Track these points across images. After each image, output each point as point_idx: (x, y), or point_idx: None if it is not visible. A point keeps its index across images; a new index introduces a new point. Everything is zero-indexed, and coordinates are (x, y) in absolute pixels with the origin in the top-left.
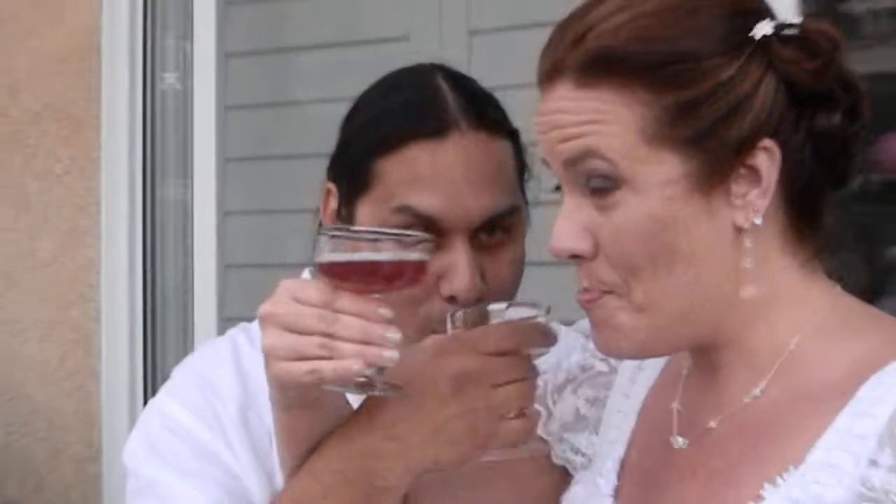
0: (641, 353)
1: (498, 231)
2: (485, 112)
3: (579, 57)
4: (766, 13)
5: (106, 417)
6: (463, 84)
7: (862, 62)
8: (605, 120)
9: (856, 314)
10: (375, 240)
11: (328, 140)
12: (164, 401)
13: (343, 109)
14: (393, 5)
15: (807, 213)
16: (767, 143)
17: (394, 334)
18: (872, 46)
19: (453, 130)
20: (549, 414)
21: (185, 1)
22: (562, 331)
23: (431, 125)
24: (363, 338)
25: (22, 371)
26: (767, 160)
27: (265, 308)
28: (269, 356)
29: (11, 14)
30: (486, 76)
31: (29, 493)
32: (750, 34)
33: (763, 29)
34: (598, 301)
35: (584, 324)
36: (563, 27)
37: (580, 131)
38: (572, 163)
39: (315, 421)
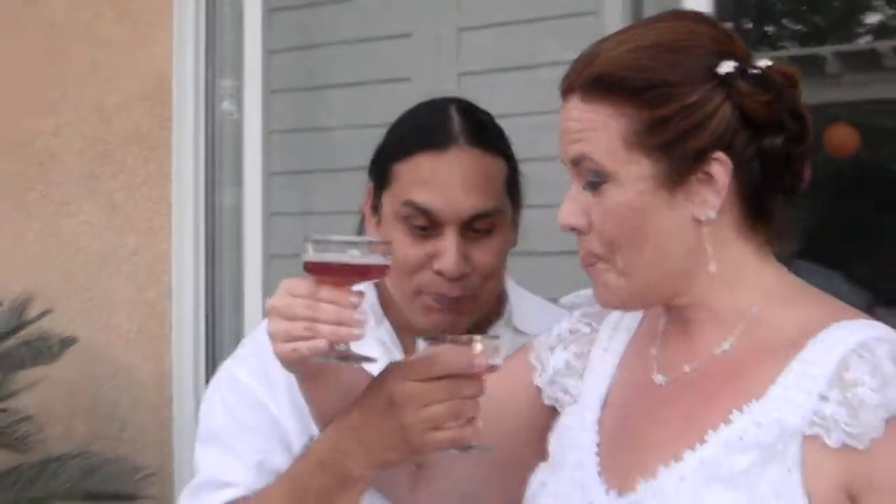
0: (624, 306)
1: (483, 226)
2: (483, 134)
3: (585, 79)
4: (738, 55)
5: (175, 374)
6: (471, 112)
7: None
8: (598, 128)
9: (798, 288)
10: (346, 243)
11: (350, 157)
12: (232, 366)
13: (361, 133)
14: (399, 53)
15: (757, 211)
16: (721, 155)
17: (361, 316)
18: None
19: (453, 145)
20: (543, 367)
21: (237, 51)
22: (549, 308)
23: (436, 140)
24: (337, 320)
25: (110, 338)
26: (721, 168)
27: (269, 302)
28: (272, 340)
29: (105, 62)
30: None
31: (115, 431)
32: (716, 70)
33: (725, 67)
34: (594, 265)
35: (569, 299)
36: (580, 55)
37: (580, 136)
38: (575, 161)
39: (327, 390)
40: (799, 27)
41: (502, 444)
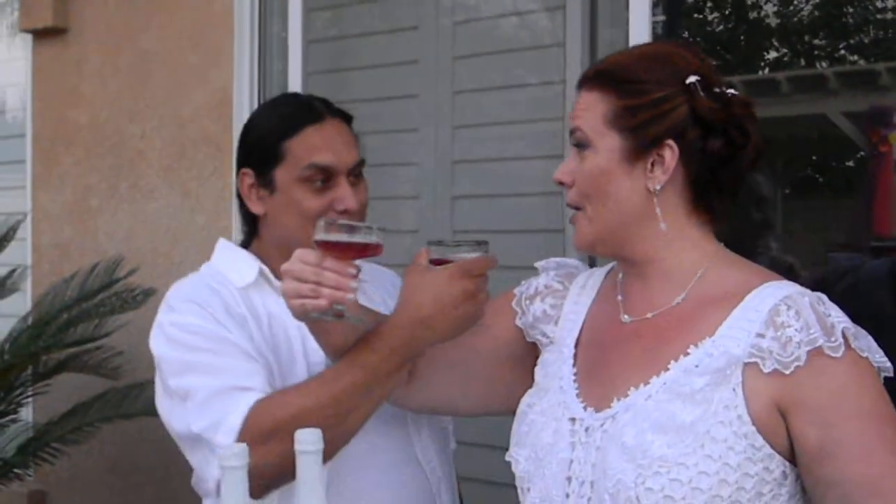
0: (591, 248)
1: (358, 174)
2: (335, 108)
3: (591, 73)
4: (708, 78)
5: None
6: (320, 98)
7: None
8: (589, 109)
9: (733, 258)
10: (350, 227)
11: (371, 155)
12: (172, 317)
13: (380, 137)
14: (408, 76)
15: (700, 193)
16: (671, 142)
17: (355, 284)
18: None
19: (326, 117)
20: (524, 313)
21: (283, 73)
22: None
23: (314, 115)
24: (336, 286)
25: None
26: (669, 153)
27: (284, 266)
28: (285, 297)
29: (181, 81)
30: (463, 118)
31: None
32: (684, 80)
33: (690, 79)
34: (575, 217)
35: (541, 263)
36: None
37: (578, 114)
38: (572, 132)
39: (339, 332)
40: (717, 62)
41: (485, 363)
